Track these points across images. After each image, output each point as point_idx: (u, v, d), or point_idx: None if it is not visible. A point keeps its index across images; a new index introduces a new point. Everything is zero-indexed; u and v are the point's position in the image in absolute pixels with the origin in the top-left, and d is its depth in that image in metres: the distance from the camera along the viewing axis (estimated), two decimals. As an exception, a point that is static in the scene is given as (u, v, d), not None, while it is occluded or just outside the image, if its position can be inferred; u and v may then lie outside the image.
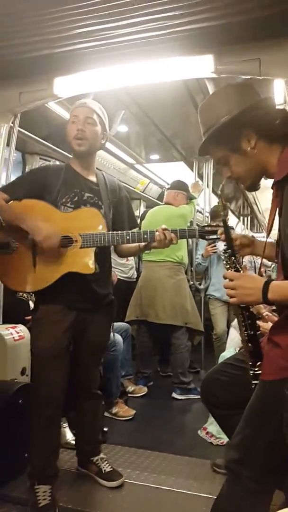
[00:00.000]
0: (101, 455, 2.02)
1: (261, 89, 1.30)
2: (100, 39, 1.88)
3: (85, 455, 2.02)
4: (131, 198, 5.98)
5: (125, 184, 4.74)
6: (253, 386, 1.20)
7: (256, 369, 1.21)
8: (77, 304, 1.79)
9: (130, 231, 1.77)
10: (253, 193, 5.95)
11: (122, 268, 4.02)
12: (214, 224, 1.74)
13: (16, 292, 2.43)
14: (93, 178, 1.90)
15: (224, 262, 1.30)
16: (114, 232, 1.74)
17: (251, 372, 1.22)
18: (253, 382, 1.20)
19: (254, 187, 1.31)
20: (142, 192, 5.27)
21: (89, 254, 1.73)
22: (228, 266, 1.27)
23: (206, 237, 1.74)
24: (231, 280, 1.18)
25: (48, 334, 1.75)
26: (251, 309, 1.24)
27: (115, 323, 3.11)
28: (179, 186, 3.60)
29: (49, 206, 1.77)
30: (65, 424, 2.32)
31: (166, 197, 3.66)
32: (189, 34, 1.83)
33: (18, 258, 1.78)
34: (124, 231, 1.76)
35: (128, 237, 1.73)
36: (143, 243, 1.81)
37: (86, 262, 1.73)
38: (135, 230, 1.90)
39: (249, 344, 1.23)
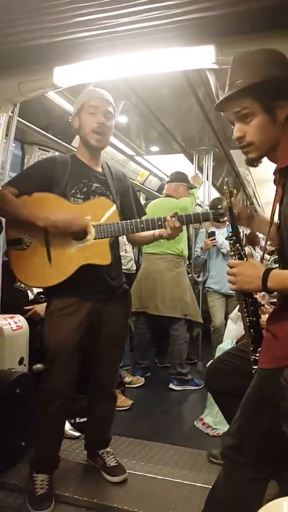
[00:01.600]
0: (108, 449, 2.01)
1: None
2: (100, 28, 1.85)
3: (92, 448, 2.03)
4: (130, 190, 5.92)
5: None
6: (253, 372, 1.22)
7: (257, 354, 1.23)
8: (91, 295, 1.77)
9: (144, 219, 1.75)
10: (253, 186, 5.94)
11: (121, 260, 4.02)
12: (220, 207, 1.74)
13: (14, 282, 2.43)
14: (99, 169, 1.89)
15: (229, 249, 1.30)
16: (128, 221, 1.73)
17: (252, 357, 1.24)
18: (253, 367, 1.22)
19: (256, 161, 1.23)
20: (142, 184, 5.25)
21: (105, 245, 1.72)
22: (232, 253, 1.27)
23: (221, 219, 1.72)
24: (233, 267, 1.19)
25: (63, 327, 1.73)
26: (254, 296, 1.26)
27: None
28: (180, 177, 3.58)
29: (59, 198, 1.74)
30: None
31: (166, 189, 3.64)
32: (190, 24, 1.81)
33: (32, 254, 1.75)
34: (138, 219, 1.74)
35: (142, 225, 1.71)
36: (157, 232, 1.79)
37: (102, 253, 1.71)
38: (147, 217, 1.87)
39: (251, 331, 1.25)
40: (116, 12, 1.73)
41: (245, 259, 1.25)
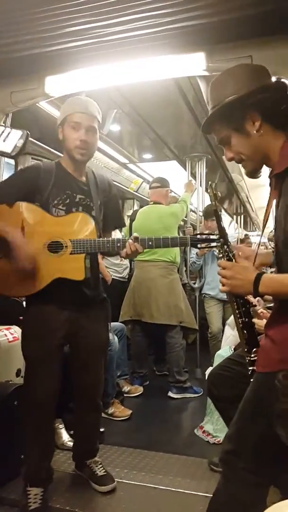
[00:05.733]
0: (96, 458, 1.98)
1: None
2: (91, 37, 1.86)
3: (80, 458, 2.01)
4: (124, 198, 5.98)
5: (118, 184, 4.75)
6: (249, 372, 1.21)
7: (253, 355, 1.22)
8: (68, 305, 1.76)
9: (121, 238, 1.75)
10: (246, 191, 5.97)
11: (117, 268, 4.01)
12: (206, 232, 1.73)
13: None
14: (83, 179, 1.87)
15: (217, 251, 1.30)
16: (105, 239, 1.73)
17: (248, 358, 1.24)
18: (249, 368, 1.22)
19: (256, 173, 1.26)
20: (136, 192, 5.26)
21: (80, 261, 1.71)
22: (221, 255, 1.28)
23: (198, 245, 1.72)
24: (224, 268, 1.20)
25: (39, 334, 1.73)
26: (246, 298, 1.26)
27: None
28: (168, 183, 3.57)
29: (39, 210, 1.73)
30: (61, 426, 2.30)
31: (156, 196, 3.55)
32: (181, 32, 1.82)
33: (5, 265, 1.69)
34: (115, 238, 1.75)
35: (119, 244, 1.71)
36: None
37: (77, 268, 1.70)
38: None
39: (244, 331, 1.25)
40: (107, 22, 1.74)
41: (233, 260, 1.26)
